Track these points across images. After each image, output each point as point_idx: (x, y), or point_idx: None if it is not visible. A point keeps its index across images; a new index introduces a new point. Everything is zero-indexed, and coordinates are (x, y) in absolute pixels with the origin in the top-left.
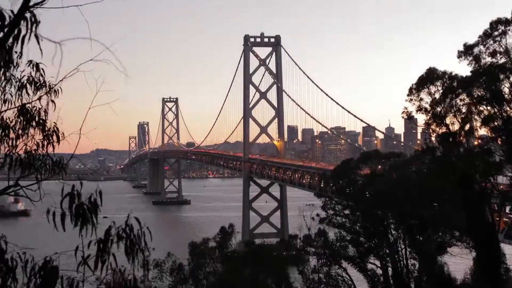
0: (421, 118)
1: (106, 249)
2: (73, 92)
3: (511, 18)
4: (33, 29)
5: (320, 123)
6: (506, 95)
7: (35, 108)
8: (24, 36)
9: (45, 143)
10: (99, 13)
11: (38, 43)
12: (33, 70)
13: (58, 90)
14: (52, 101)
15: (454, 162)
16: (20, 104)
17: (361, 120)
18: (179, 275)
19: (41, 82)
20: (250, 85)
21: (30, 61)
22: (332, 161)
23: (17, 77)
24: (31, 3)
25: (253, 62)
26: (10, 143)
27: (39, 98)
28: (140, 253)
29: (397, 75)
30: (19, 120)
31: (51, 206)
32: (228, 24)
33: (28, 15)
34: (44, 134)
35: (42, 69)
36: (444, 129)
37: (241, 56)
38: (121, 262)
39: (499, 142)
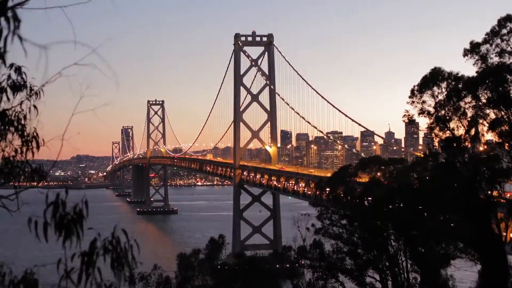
0: (423, 122)
1: (90, 262)
2: (54, 96)
3: None
4: (15, 28)
5: (316, 128)
6: None
7: (14, 111)
8: (6, 36)
9: (24, 149)
10: (83, 13)
11: (22, 43)
12: (15, 74)
13: (39, 92)
14: (34, 106)
15: (459, 169)
16: None
17: (359, 124)
18: None
19: (22, 84)
20: (241, 87)
21: (12, 65)
22: (328, 167)
23: None
24: (12, 3)
25: (244, 63)
26: None
27: (20, 103)
28: (126, 267)
29: (398, 77)
30: None
31: (33, 215)
32: (217, 23)
33: (9, 14)
34: (23, 139)
35: (24, 72)
36: (448, 134)
37: (231, 56)
38: (106, 275)
39: (507, 148)
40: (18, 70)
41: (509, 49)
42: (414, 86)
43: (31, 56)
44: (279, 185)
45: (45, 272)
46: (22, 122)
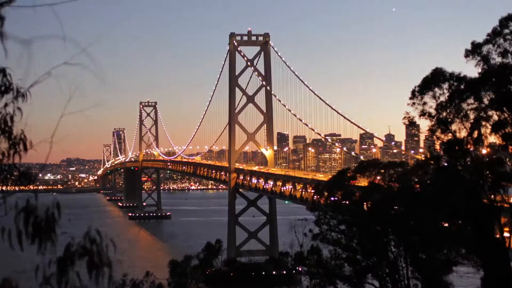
0: (424, 124)
1: (66, 268)
2: (42, 97)
3: None
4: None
5: (313, 130)
6: None
7: (0, 113)
8: None
9: (12, 152)
10: (72, 12)
11: (2, 42)
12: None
13: (26, 94)
14: (19, 108)
15: (461, 173)
16: None
17: (358, 127)
18: None
19: (7, 86)
20: (237, 88)
21: None
22: (326, 171)
23: None
24: None
25: (240, 63)
26: None
27: (5, 105)
28: (105, 269)
29: (399, 77)
30: None
31: (6, 224)
32: (212, 21)
33: None
34: (10, 142)
35: (9, 74)
36: (449, 136)
37: (226, 56)
38: (86, 280)
39: (510, 151)
40: (3, 72)
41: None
42: (415, 87)
43: (18, 55)
44: (276, 189)
45: (24, 279)
46: (9, 124)
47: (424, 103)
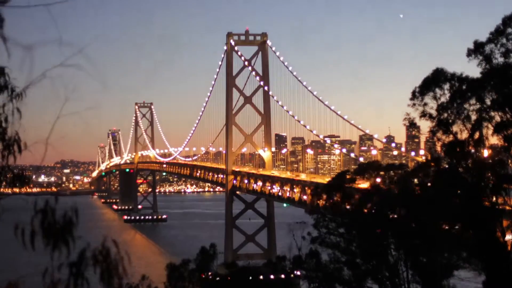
0: (425, 125)
1: (79, 273)
2: (36, 98)
3: None
4: None
5: (312, 131)
6: None
7: None
8: None
9: (6, 153)
10: (67, 11)
11: (5, 44)
12: None
13: (21, 94)
14: (17, 109)
15: (462, 175)
16: None
17: (358, 128)
18: None
19: (4, 85)
20: (234, 89)
21: None
22: (325, 173)
23: None
24: None
25: (237, 63)
26: None
27: (3, 105)
28: (116, 279)
29: (398, 78)
30: None
31: (20, 223)
32: (209, 21)
33: None
34: (4, 143)
35: (7, 74)
36: (451, 138)
37: (223, 56)
38: (94, 287)
39: None
40: (1, 71)
41: None
42: (415, 88)
43: (14, 56)
44: (274, 192)
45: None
46: (3, 125)
47: (425, 104)
